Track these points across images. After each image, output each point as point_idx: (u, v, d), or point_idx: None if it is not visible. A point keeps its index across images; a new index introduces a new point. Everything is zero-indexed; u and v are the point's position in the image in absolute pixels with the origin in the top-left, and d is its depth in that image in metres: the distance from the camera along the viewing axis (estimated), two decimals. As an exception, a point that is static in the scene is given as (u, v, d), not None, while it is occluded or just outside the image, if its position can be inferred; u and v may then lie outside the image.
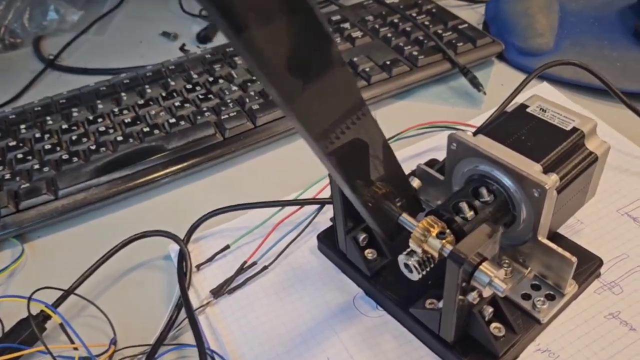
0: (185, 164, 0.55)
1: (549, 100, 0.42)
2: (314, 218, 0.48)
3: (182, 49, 0.76)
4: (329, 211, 0.49)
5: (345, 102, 0.29)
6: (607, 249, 0.44)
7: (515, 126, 0.41)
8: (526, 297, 0.40)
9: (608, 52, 0.65)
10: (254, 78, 0.63)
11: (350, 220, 0.42)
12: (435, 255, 0.35)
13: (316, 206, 0.48)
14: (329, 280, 0.45)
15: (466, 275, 0.33)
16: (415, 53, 0.64)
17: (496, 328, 0.37)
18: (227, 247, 0.47)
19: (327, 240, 0.46)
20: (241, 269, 0.45)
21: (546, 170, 0.37)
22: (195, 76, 0.64)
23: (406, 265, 0.37)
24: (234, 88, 0.62)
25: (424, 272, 0.37)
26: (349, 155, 0.32)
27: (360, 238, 0.43)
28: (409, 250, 0.37)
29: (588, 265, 0.42)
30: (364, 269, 0.43)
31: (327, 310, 0.42)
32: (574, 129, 0.40)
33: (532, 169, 0.37)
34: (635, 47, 0.66)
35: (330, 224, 0.47)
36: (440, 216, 0.37)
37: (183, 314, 0.43)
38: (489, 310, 0.37)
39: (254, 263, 0.46)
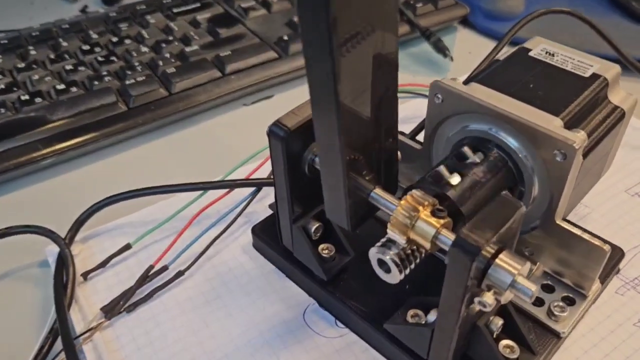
0: (75, 140, 0.41)
1: (554, 43, 0.33)
2: (247, 205, 0.36)
3: (83, 11, 0.62)
4: (267, 196, 0.37)
5: None
6: (622, 238, 0.35)
7: (517, 73, 0.30)
8: (537, 302, 0.30)
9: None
10: (171, 38, 0.50)
11: (298, 205, 0.30)
12: (426, 245, 0.24)
13: (250, 190, 0.36)
14: (270, 289, 0.33)
15: (479, 273, 0.22)
16: (368, 13, 0.53)
17: (507, 347, 0.27)
18: (128, 246, 0.34)
19: (266, 235, 0.34)
20: (146, 277, 0.33)
21: (568, 127, 0.27)
22: (95, 36, 0.51)
23: (381, 263, 0.26)
24: (144, 49, 0.49)
25: (407, 272, 0.26)
26: (354, 79, 0.22)
27: (312, 229, 0.31)
28: (385, 240, 0.26)
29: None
30: (318, 271, 0.31)
31: (268, 331, 0.30)
32: (595, 76, 0.30)
33: (551, 124, 0.27)
34: (613, 14, 0.59)
35: (270, 212, 0.35)
36: (428, 191, 0.26)
37: (60, 342, 0.30)
38: (498, 323, 0.26)
39: (165, 268, 0.33)
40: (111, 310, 0.31)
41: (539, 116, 0.27)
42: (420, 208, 0.24)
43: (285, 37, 0.50)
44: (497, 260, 0.22)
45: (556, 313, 0.29)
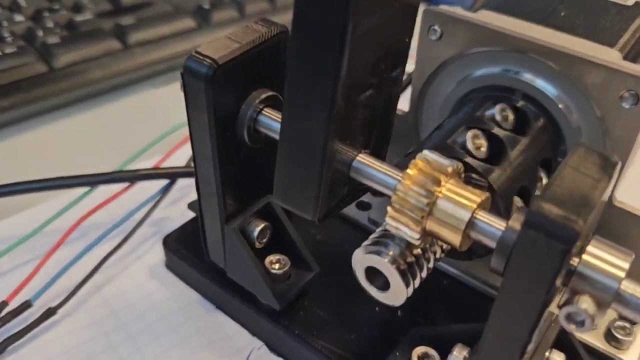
0: None
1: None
2: (154, 206, 0.25)
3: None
4: (187, 195, 0.26)
5: None
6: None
7: (539, 1, 0.22)
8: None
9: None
10: (57, 7, 0.39)
11: (232, 197, 0.20)
12: (455, 240, 0.14)
13: (159, 184, 0.25)
14: (193, 329, 0.22)
15: (564, 274, 0.13)
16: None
17: (572, 397, 0.17)
18: (-30, 276, 0.22)
19: (185, 248, 0.24)
20: (-6, 321, 0.21)
21: (629, 59, 0.19)
22: (-48, 5, 0.39)
23: (374, 274, 0.16)
24: (20, 18, 0.37)
25: (413, 286, 0.16)
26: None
27: (254, 232, 0.20)
28: (377, 236, 0.16)
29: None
30: (266, 296, 0.20)
31: (190, 394, 0.20)
32: (640, 5, 0.22)
33: (609, 55, 0.18)
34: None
35: (190, 216, 0.24)
36: (447, 154, 0.16)
37: None
38: (559, 361, 0.17)
39: (26, 305, 0.21)
40: None
41: (589, 47, 0.19)
42: (442, 178, 0.14)
43: (206, 6, 0.39)
44: (585, 256, 0.13)
45: (619, 337, 0.20)
